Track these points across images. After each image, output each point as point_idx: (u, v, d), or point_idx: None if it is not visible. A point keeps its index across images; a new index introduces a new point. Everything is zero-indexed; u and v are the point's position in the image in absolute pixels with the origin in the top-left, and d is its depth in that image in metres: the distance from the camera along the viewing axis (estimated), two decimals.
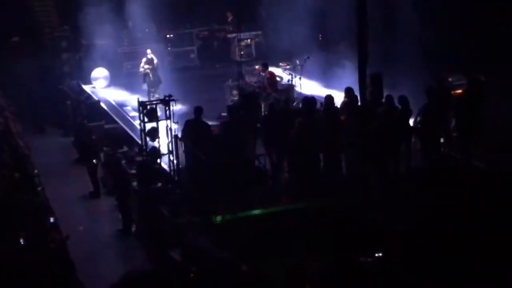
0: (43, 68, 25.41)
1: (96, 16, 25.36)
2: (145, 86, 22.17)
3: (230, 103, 18.79)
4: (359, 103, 14.90)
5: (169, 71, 24.57)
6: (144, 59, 22.46)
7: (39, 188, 14.53)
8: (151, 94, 21.70)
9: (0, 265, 10.09)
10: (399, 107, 14.84)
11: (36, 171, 15.93)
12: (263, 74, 19.36)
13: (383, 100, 15.20)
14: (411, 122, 15.09)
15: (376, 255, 10.19)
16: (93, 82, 24.88)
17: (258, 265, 11.59)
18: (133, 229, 16.07)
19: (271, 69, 20.11)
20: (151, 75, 22.03)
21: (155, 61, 22.42)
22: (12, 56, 25.15)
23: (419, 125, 14.97)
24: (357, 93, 15.39)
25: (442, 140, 15.25)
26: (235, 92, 19.76)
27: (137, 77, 23.43)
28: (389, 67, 20.50)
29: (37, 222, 12.10)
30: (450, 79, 17.13)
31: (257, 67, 20.78)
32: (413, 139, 15.15)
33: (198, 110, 15.03)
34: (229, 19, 27.57)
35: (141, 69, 22.31)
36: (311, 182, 14.29)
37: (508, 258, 11.03)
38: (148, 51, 22.72)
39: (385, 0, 24.40)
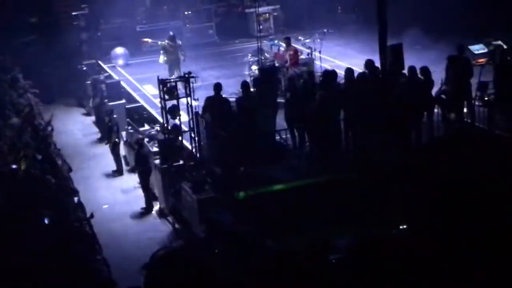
0: (61, 48, 25.39)
1: None
2: (161, 60, 21.73)
3: (250, 79, 18.66)
4: (380, 75, 14.81)
5: (188, 47, 24.43)
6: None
7: (62, 168, 14.54)
8: (174, 71, 21.38)
9: (25, 245, 10.11)
10: (421, 77, 14.65)
11: (59, 150, 15.97)
12: (286, 48, 19.16)
13: (405, 71, 15.02)
14: (433, 92, 14.91)
15: (401, 227, 10.09)
16: (112, 61, 24.83)
17: (282, 240, 11.52)
18: (156, 206, 16.09)
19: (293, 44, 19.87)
20: (171, 55, 21.58)
21: (178, 41, 22.06)
22: (31, 37, 25.21)
23: (441, 95, 14.78)
24: (377, 64, 15.29)
25: (465, 110, 15.05)
26: (254, 67, 19.61)
27: (157, 54, 23.30)
28: (410, 36, 20.35)
29: (61, 202, 12.13)
30: (471, 48, 16.81)
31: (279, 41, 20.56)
32: (436, 109, 14.97)
33: (217, 87, 14.92)
34: None
35: (162, 43, 21.82)
36: (333, 155, 14.19)
37: None
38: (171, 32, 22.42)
39: None
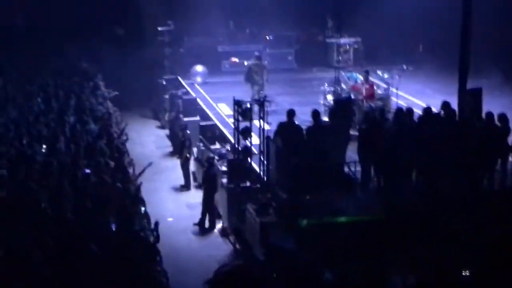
0: (144, 61, 26.05)
1: (199, 14, 25.84)
2: (245, 80, 22.12)
3: (324, 108, 18.69)
4: (456, 118, 14.67)
5: (269, 74, 24.68)
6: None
7: (132, 177, 14.85)
8: (256, 93, 21.64)
9: (91, 248, 10.37)
10: (499, 124, 14.41)
11: (132, 160, 16.31)
12: (364, 81, 19.20)
13: (483, 115, 14.81)
14: (510, 140, 14.65)
15: (464, 273, 9.91)
16: (191, 78, 25.31)
17: (341, 271, 11.45)
18: (219, 225, 16.22)
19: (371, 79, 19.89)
20: (256, 75, 21.93)
21: (264, 62, 22.40)
22: (116, 48, 25.93)
23: None
24: (454, 106, 15.14)
25: None
26: (330, 96, 19.65)
27: (235, 75, 23.67)
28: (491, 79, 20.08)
29: (128, 210, 12.38)
30: None
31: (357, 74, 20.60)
32: (510, 158, 14.69)
33: (291, 113, 15.01)
34: (329, 25, 27.46)
35: (248, 63, 22.26)
36: (401, 191, 14.05)
37: None
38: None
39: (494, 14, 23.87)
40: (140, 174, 15.09)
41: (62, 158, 14.26)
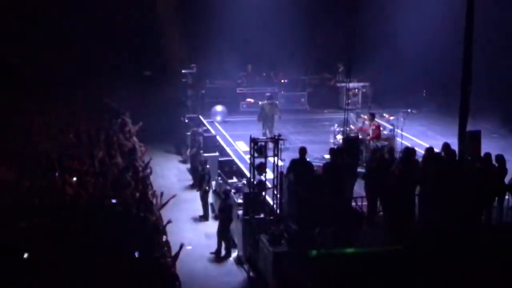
0: (169, 100, 26.30)
1: (220, 58, 26.14)
2: (258, 119, 22.39)
3: (334, 147, 18.71)
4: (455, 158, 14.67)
5: (281, 112, 24.81)
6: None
7: (155, 208, 14.88)
8: (266, 131, 21.87)
9: (115, 274, 10.38)
10: (496, 165, 14.37)
11: (155, 191, 16.35)
12: (370, 123, 19.28)
13: (481, 156, 14.79)
14: (506, 180, 14.57)
15: None
16: (211, 117, 25.50)
17: None
18: (234, 254, 16.17)
19: (376, 120, 19.95)
20: (268, 112, 22.22)
21: (275, 101, 22.70)
22: (143, 88, 26.24)
23: None
24: (455, 147, 15.13)
25: None
26: (339, 136, 19.69)
27: (252, 115, 23.80)
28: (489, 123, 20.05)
29: (151, 238, 12.40)
30: None
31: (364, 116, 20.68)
32: (507, 196, 14.60)
33: (302, 150, 15.05)
34: (340, 70, 27.62)
35: (262, 103, 22.58)
36: (405, 226, 13.98)
37: None
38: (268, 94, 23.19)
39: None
40: (164, 204, 15.14)
41: (91, 190, 14.34)
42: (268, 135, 20.02)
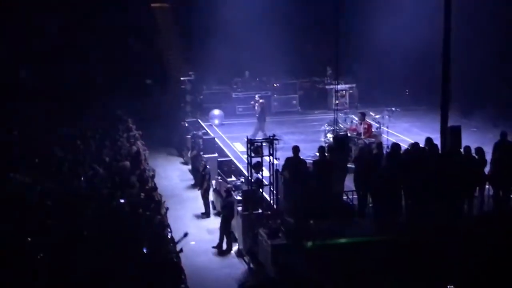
0: (169, 106, 26.30)
1: (215, 65, 26.18)
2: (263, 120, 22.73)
3: (323, 145, 18.77)
4: (438, 152, 14.75)
5: (275, 114, 24.92)
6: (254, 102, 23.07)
7: (161, 208, 14.91)
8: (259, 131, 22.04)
9: (125, 269, 10.42)
10: (476, 157, 14.45)
11: (159, 192, 16.36)
12: (361, 122, 19.38)
13: (462, 150, 14.85)
14: (486, 170, 14.66)
15: (449, 286, 9.90)
16: (210, 121, 25.55)
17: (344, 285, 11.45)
18: (235, 247, 16.22)
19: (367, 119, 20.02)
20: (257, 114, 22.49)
21: (261, 101, 22.94)
22: (144, 95, 26.24)
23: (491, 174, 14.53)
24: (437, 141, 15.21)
25: None
26: (329, 135, 19.76)
27: (247, 117, 23.86)
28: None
29: (158, 236, 12.44)
30: None
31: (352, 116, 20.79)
32: (487, 186, 14.69)
33: (296, 149, 15.10)
34: (328, 73, 27.70)
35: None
36: (392, 217, 14.05)
37: None
38: (256, 96, 23.38)
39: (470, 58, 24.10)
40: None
41: (100, 191, 14.35)
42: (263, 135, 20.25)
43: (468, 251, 12.67)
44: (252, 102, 23.75)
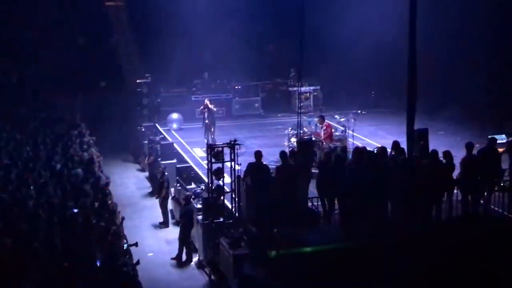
0: (124, 110, 26.03)
1: (173, 67, 26.05)
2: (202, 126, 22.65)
3: (285, 150, 18.79)
4: (405, 156, 14.87)
5: (236, 118, 24.86)
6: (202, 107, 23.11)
7: (116, 217, 14.70)
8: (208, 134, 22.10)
9: (76, 283, 10.22)
10: (443, 161, 14.61)
11: (114, 200, 16.15)
12: (321, 125, 19.43)
13: (429, 153, 15.00)
14: (454, 175, 14.83)
15: None
16: (168, 125, 25.36)
17: None
18: (195, 258, 16.09)
19: (327, 121, 20.10)
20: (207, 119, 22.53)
21: (211, 106, 22.89)
22: (98, 98, 25.94)
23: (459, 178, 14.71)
24: (403, 145, 15.33)
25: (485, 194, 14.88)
26: (293, 139, 19.78)
27: None
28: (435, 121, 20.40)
29: (112, 247, 12.24)
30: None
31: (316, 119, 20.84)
32: (455, 191, 14.86)
33: (258, 154, 15.04)
34: (291, 75, 27.80)
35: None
36: (358, 223, 14.11)
37: None
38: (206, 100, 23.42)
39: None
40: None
41: (51, 200, 14.08)
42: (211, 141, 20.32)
43: (434, 257, 12.82)
44: (201, 107, 23.41)
